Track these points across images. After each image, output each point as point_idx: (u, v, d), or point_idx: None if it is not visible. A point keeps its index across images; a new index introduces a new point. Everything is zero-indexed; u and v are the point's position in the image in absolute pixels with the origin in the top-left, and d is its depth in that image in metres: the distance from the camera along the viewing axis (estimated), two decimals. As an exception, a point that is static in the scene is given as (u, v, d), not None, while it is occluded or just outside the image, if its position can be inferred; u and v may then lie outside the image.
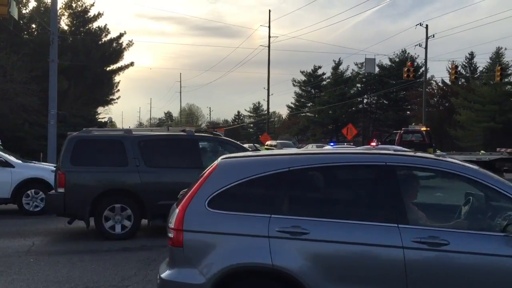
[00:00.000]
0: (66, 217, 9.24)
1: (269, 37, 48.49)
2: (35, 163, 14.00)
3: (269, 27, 48.23)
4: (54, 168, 12.57)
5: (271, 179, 4.07)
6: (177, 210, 4.09)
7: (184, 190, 4.64)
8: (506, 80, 42.46)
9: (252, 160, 4.52)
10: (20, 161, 12.53)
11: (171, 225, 4.08)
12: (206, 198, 4.01)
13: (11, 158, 12.26)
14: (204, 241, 3.95)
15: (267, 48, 48.97)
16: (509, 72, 44.44)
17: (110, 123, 28.38)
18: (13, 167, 11.93)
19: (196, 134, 10.05)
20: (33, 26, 35.35)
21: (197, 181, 4.26)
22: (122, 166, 8.81)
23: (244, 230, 3.89)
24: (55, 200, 8.80)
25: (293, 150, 5.52)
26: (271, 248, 3.77)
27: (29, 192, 11.77)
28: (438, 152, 23.91)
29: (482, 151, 26.19)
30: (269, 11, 50.28)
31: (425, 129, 30.08)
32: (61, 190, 8.66)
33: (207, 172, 4.28)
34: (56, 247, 8.31)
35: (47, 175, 12.03)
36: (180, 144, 9.57)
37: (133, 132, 9.55)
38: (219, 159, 4.39)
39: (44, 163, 14.59)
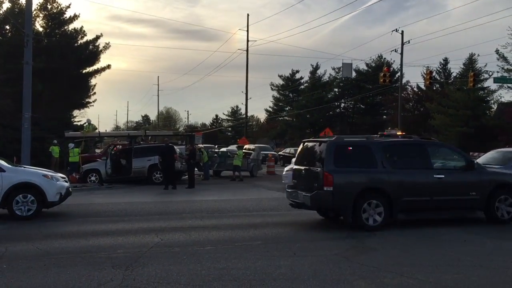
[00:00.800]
0: (329, 211, 10.96)
1: (248, 41, 48.63)
2: (25, 167, 13.78)
3: (247, 31, 48.34)
4: (45, 173, 12.46)
5: None
6: None
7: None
8: (479, 85, 43.43)
9: None
10: (10, 166, 12.31)
11: None
12: None
13: (2, 162, 12.01)
14: None
15: (245, 52, 49.07)
16: (482, 78, 45.48)
17: (89, 125, 27.80)
18: (4, 171, 11.70)
19: (420, 139, 11.67)
20: (7, 27, 34.65)
21: None
22: (373, 168, 10.32)
23: None
24: (324, 197, 10.04)
25: None
26: None
27: (26, 195, 11.63)
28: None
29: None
30: (248, 15, 50.41)
31: (400, 133, 30.47)
32: (328, 188, 9.94)
33: None
34: (30, 252, 8.15)
35: (38, 179, 11.90)
36: (413, 148, 11.20)
37: (374, 139, 11.04)
38: None
39: (34, 167, 14.32)
